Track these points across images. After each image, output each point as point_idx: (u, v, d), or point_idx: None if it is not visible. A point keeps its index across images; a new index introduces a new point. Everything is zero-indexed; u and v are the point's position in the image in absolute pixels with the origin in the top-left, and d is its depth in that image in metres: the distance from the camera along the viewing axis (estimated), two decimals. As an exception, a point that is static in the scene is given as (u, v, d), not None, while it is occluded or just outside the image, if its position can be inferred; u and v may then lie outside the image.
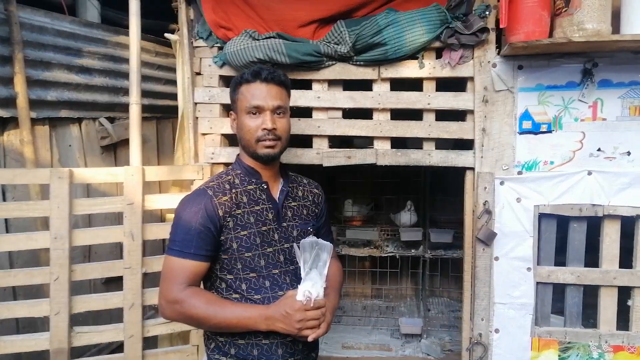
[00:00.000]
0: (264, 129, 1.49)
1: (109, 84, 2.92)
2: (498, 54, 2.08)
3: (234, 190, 1.52)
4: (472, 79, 2.12)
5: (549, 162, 2.06)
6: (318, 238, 1.60)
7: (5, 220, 2.37)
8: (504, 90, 2.08)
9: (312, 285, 1.40)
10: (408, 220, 3.34)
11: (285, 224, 1.58)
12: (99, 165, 2.87)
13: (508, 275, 2.06)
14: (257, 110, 1.51)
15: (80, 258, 2.79)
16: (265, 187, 1.57)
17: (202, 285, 1.57)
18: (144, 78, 3.18)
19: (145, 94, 3.17)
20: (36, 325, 2.43)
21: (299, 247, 1.47)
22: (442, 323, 3.26)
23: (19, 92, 2.28)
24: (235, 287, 1.49)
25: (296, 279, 1.54)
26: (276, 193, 1.61)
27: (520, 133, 2.08)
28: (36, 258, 2.41)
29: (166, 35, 2.28)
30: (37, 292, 2.37)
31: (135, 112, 2.29)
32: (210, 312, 1.40)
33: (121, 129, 2.96)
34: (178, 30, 2.22)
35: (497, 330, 2.07)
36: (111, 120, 3.01)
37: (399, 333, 3.11)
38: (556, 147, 2.06)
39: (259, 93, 1.51)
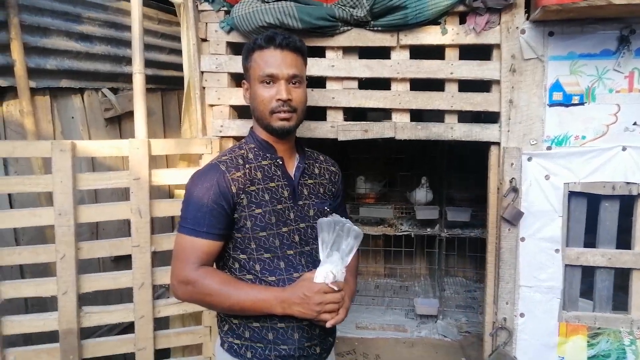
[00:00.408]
0: (279, 99, 1.39)
1: (110, 52, 2.78)
2: (527, 19, 1.93)
3: (247, 166, 1.43)
4: (498, 46, 1.97)
5: (581, 137, 1.93)
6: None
7: (9, 195, 2.28)
8: (533, 58, 1.93)
9: (333, 268, 1.31)
10: (423, 198, 3.22)
11: (301, 203, 1.48)
12: (103, 139, 2.76)
13: (535, 256, 1.95)
14: (271, 79, 1.40)
15: (87, 235, 2.71)
16: (281, 162, 1.47)
17: (214, 265, 1.49)
18: (147, 47, 3.04)
19: (148, 63, 3.03)
20: (45, 304, 2.36)
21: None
22: (458, 304, 3.18)
23: (17, 60, 2.16)
24: (249, 267, 1.41)
25: (311, 261, 1.46)
26: (292, 169, 1.51)
27: (550, 105, 1.94)
28: (42, 235, 2.33)
29: (170, -2, 2.13)
30: (44, 270, 2.30)
31: (139, 82, 2.17)
32: (224, 294, 1.33)
33: (125, 100, 2.84)
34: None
35: (522, 315, 1.97)
36: (114, 91, 2.88)
37: (414, 313, 3.04)
38: (589, 121, 1.92)
39: (273, 60, 1.40)
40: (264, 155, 1.47)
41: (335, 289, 1.31)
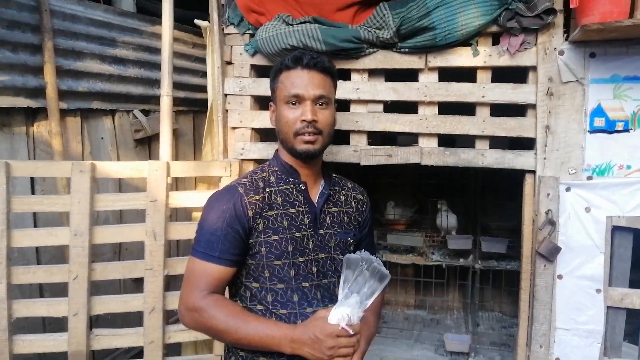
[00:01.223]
0: (303, 120, 1.32)
1: (143, 75, 2.83)
2: (566, 39, 1.81)
3: (267, 189, 1.36)
4: (534, 68, 1.85)
5: (625, 167, 1.78)
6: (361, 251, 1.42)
7: (34, 214, 2.31)
8: (572, 81, 1.81)
9: (350, 311, 1.19)
10: (445, 224, 3.07)
11: (322, 231, 1.39)
12: (131, 159, 2.79)
13: (573, 296, 1.78)
14: (297, 99, 1.34)
15: (110, 254, 2.72)
16: (304, 187, 1.39)
17: (227, 292, 1.42)
18: (181, 70, 3.09)
19: (181, 86, 3.09)
20: (63, 323, 2.36)
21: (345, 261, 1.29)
22: (493, 340, 2.97)
23: (48, 82, 2.21)
24: (260, 297, 1.33)
25: (328, 296, 1.36)
26: (315, 195, 1.42)
27: (591, 132, 1.81)
28: (62, 254, 2.34)
29: (196, 21, 2.14)
30: (64, 289, 2.30)
31: (166, 104, 2.16)
32: (231, 326, 1.24)
33: (155, 122, 2.86)
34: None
35: (557, 360, 1.80)
36: (146, 113, 2.92)
37: (444, 349, 2.86)
38: (634, 149, 1.78)
39: (300, 81, 1.34)
40: (286, 179, 1.40)
41: (351, 332, 1.19)
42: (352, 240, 1.44)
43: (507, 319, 3.31)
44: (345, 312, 1.19)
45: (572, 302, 1.79)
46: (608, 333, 1.78)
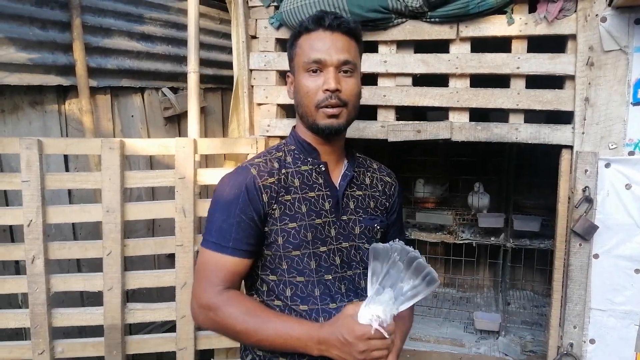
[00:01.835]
0: (326, 90, 1.17)
1: (171, 52, 2.83)
2: (609, 4, 1.69)
3: (283, 171, 1.23)
4: (573, 37, 1.75)
5: (671, 141, 1.67)
6: (389, 238, 1.26)
7: (69, 191, 2.37)
8: (615, 50, 1.70)
9: (382, 311, 1.05)
10: (477, 203, 2.99)
11: (345, 218, 1.26)
12: (162, 137, 2.82)
13: (610, 276, 1.71)
14: (318, 66, 1.19)
15: (143, 231, 2.78)
16: (324, 168, 1.26)
17: (243, 285, 1.30)
18: (209, 47, 3.08)
19: (209, 63, 3.08)
20: (99, 297, 2.43)
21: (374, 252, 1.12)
22: (524, 319, 2.92)
23: (78, 60, 2.24)
24: (278, 292, 1.21)
25: (353, 289, 1.25)
26: (337, 178, 1.29)
27: (635, 104, 1.70)
28: (97, 230, 2.40)
29: (221, -6, 2.10)
30: (100, 264, 2.37)
31: (193, 81, 2.16)
32: (250, 327, 1.12)
33: (184, 99, 2.87)
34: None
35: (592, 341, 1.74)
36: (174, 90, 2.93)
37: (474, 328, 2.82)
38: (681, 122, 1.65)
39: (321, 45, 1.18)
40: (304, 160, 1.26)
41: (386, 335, 1.05)
42: (379, 227, 1.31)
43: (539, 298, 3.23)
44: (377, 311, 1.05)
45: (609, 282, 1.71)
46: (647, 315, 1.71)
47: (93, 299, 2.39)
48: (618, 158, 1.70)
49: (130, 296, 2.34)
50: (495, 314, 2.85)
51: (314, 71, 1.19)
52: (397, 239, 1.15)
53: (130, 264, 2.10)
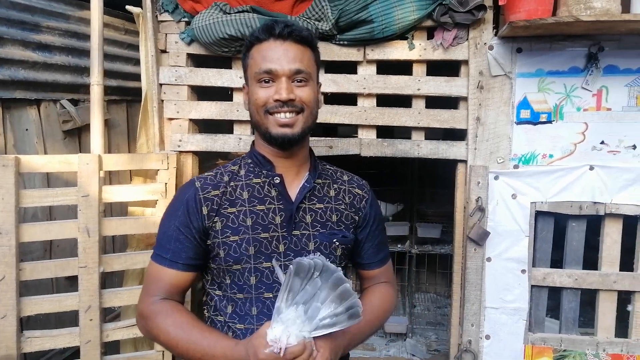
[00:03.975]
0: (277, 100, 1.13)
1: (71, 62, 2.67)
2: (495, 34, 1.90)
3: (232, 184, 1.20)
4: (466, 62, 1.93)
5: (548, 156, 1.90)
6: (364, 256, 1.28)
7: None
8: (501, 75, 1.90)
9: (284, 330, 0.98)
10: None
11: (297, 232, 1.19)
12: (60, 152, 2.64)
13: (501, 277, 1.90)
14: (270, 76, 1.15)
15: (40, 252, 2.57)
16: (279, 181, 1.20)
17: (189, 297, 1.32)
18: (113, 58, 2.95)
19: (113, 74, 2.94)
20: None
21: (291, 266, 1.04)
22: (428, 320, 3.12)
23: (-37, 69, 2.04)
24: (220, 308, 1.18)
25: None
26: (294, 190, 1.23)
27: (518, 123, 1.91)
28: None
29: (128, 7, 2.04)
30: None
31: (97, 94, 2.06)
32: (173, 338, 1.11)
33: (85, 112, 2.72)
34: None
35: (487, 337, 1.92)
36: (75, 103, 2.76)
37: (383, 331, 2.96)
38: (556, 139, 1.90)
39: (272, 54, 1.15)
40: (258, 172, 1.22)
41: (281, 355, 0.97)
42: (338, 244, 1.23)
43: (442, 299, 3.47)
44: (277, 331, 0.98)
45: (500, 282, 1.90)
46: (532, 310, 1.92)
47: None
48: (505, 171, 1.90)
49: (25, 324, 2.16)
50: (402, 317, 3.02)
51: (266, 81, 1.16)
52: (318, 254, 1.14)
53: (24, 289, 1.94)
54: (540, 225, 1.91)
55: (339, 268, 1.03)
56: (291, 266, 1.02)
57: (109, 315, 2.39)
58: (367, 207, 1.32)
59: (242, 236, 1.16)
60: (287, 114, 1.14)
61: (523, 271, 1.89)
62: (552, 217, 1.91)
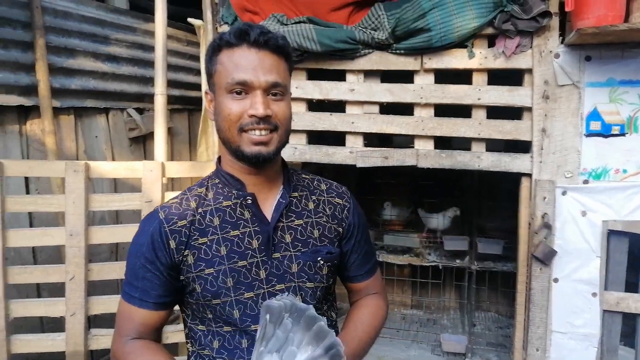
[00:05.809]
0: (253, 115, 1.01)
1: (137, 73, 2.81)
2: (562, 42, 1.81)
3: (200, 210, 1.08)
4: (530, 71, 1.84)
5: (622, 171, 1.78)
6: (350, 269, 1.19)
7: (29, 213, 2.30)
8: (568, 84, 1.80)
9: None
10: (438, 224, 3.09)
11: (278, 255, 1.08)
12: (126, 158, 2.77)
13: (570, 300, 1.78)
14: (243, 88, 1.02)
15: (107, 254, 2.70)
16: (251, 201, 1.08)
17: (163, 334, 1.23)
18: (176, 68, 3.07)
19: (176, 84, 3.07)
20: (60, 323, 2.34)
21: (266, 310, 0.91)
22: (489, 341, 2.97)
23: (41, 80, 2.19)
24: (206, 342, 1.08)
25: None
26: (269, 208, 1.10)
27: (587, 135, 1.80)
28: (59, 254, 2.33)
29: (190, 20, 2.12)
30: (61, 288, 2.28)
31: (160, 103, 2.15)
32: None
33: (150, 120, 2.84)
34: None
35: (552, 363, 1.80)
36: (140, 111, 2.90)
37: (441, 350, 2.85)
38: (630, 153, 1.78)
39: (246, 63, 1.01)
40: (228, 194, 1.10)
41: None
42: (323, 262, 1.11)
43: (504, 319, 3.31)
44: None
45: (569, 305, 1.78)
46: (604, 337, 1.78)
47: (53, 324, 2.30)
48: (574, 186, 1.79)
49: (92, 322, 2.27)
50: (461, 336, 2.90)
51: (238, 93, 1.02)
52: (287, 293, 1.04)
53: (92, 288, 2.04)
54: (612, 246, 1.78)
55: (310, 306, 0.91)
56: (261, 310, 0.91)
57: (171, 316, 2.46)
58: (350, 217, 1.19)
59: (218, 268, 1.04)
60: (262, 132, 1.02)
61: (594, 294, 1.76)
62: (627, 236, 1.77)
